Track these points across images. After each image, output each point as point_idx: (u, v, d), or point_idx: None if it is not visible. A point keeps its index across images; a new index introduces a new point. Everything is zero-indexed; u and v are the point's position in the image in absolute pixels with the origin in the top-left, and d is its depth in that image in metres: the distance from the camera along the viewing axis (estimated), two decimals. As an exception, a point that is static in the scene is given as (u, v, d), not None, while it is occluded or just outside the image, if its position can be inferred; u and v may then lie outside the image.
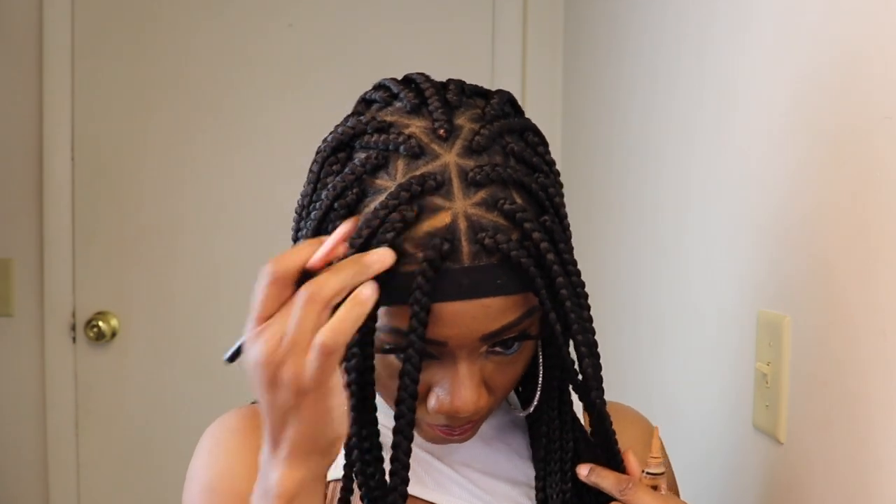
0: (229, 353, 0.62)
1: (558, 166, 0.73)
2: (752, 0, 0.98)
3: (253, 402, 0.83)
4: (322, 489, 0.62)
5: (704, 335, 1.12)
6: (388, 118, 0.67)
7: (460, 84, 0.71)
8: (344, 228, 0.62)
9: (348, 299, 0.59)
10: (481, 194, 0.64)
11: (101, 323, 2.14)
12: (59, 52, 2.12)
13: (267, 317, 0.60)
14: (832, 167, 0.78)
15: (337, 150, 0.68)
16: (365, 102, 0.72)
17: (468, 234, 0.63)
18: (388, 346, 0.66)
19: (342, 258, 0.61)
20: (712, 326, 1.09)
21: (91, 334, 2.14)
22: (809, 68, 0.83)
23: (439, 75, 0.74)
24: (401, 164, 0.65)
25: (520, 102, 0.74)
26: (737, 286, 1.00)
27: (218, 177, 2.16)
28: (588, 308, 0.70)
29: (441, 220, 0.63)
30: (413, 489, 0.72)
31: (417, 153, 0.64)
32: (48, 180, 2.13)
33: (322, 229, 0.66)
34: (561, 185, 0.71)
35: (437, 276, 0.62)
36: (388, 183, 0.64)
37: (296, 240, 0.71)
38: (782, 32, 0.90)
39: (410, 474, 0.66)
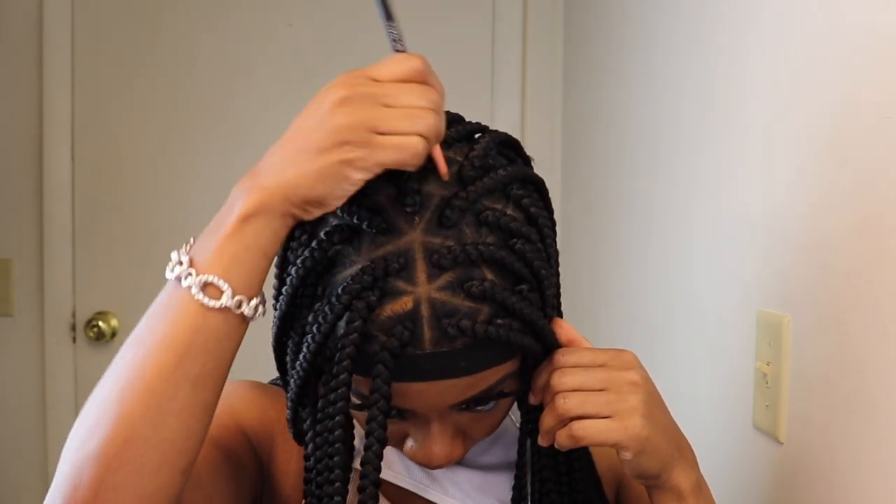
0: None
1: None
2: (752, 2, 0.98)
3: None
4: (281, 230, 0.59)
5: (704, 335, 1.12)
6: None
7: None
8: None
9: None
10: (446, 277, 0.61)
11: (101, 323, 2.14)
12: (59, 52, 2.12)
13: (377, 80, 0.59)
14: (832, 167, 0.78)
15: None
16: None
17: (430, 321, 0.60)
18: (357, 403, 0.65)
19: None
20: (712, 326, 1.09)
21: (91, 334, 2.14)
22: (809, 68, 0.83)
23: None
24: (366, 241, 0.62)
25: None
26: (737, 286, 1.00)
27: (218, 176, 2.16)
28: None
29: (403, 305, 0.60)
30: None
31: (382, 229, 0.61)
32: (48, 180, 2.13)
33: (292, 309, 0.64)
34: (548, 236, 0.68)
35: (397, 361, 0.60)
36: (353, 257, 0.62)
37: (277, 298, 0.67)
38: (782, 32, 0.90)
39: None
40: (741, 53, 1.01)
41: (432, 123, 0.58)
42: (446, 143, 0.65)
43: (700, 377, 1.13)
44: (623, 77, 1.57)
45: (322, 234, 0.63)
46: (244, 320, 0.59)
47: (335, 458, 0.63)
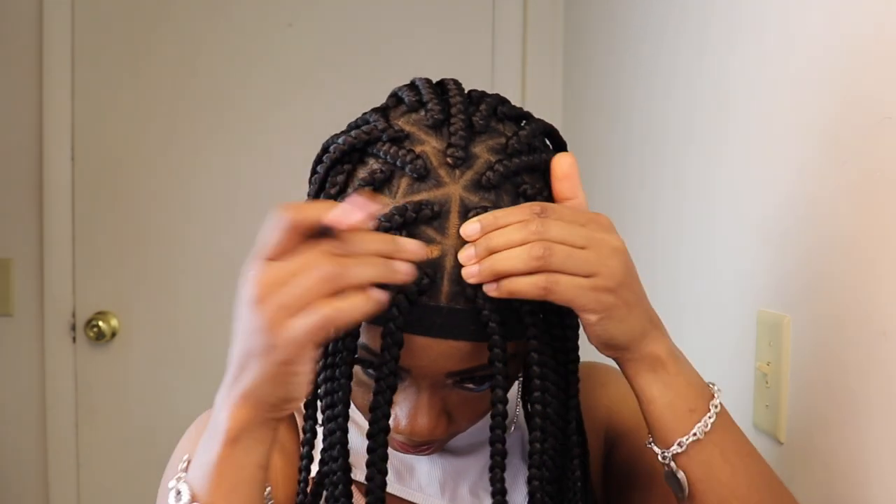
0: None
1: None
2: (752, 2, 0.98)
3: None
4: (269, 435, 0.59)
5: (704, 335, 1.12)
6: (407, 128, 0.64)
7: (495, 103, 0.67)
8: (362, 197, 0.57)
9: (367, 291, 0.55)
10: None
11: (101, 323, 2.14)
12: (59, 53, 2.12)
13: (271, 259, 0.55)
14: (832, 167, 0.78)
15: (347, 154, 0.65)
16: (395, 98, 0.69)
17: (451, 275, 0.60)
18: (365, 359, 0.65)
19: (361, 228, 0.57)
20: (712, 326, 1.09)
21: (91, 334, 2.14)
22: (810, 68, 0.83)
23: (439, 74, 0.72)
24: (404, 183, 0.62)
25: (520, 102, 0.73)
26: (737, 286, 1.00)
27: (218, 176, 2.16)
28: (573, 369, 0.67)
29: (429, 252, 0.60)
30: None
31: (423, 175, 0.61)
32: (48, 180, 2.13)
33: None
34: None
35: (411, 308, 0.60)
36: (387, 200, 0.62)
37: None
38: (782, 32, 0.90)
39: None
40: (741, 53, 1.01)
41: (330, 306, 0.54)
42: (495, 117, 0.66)
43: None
44: (623, 77, 1.56)
45: (360, 177, 0.63)
46: None
47: (338, 407, 0.63)
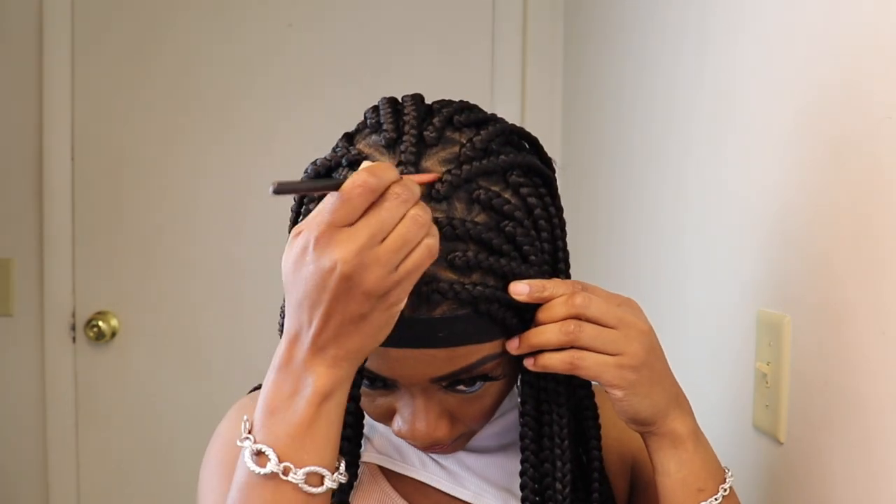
0: (277, 184, 0.56)
1: (558, 167, 0.73)
2: (752, 3, 0.98)
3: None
4: (348, 388, 0.62)
5: (704, 335, 1.12)
6: (365, 150, 0.67)
7: (451, 113, 0.68)
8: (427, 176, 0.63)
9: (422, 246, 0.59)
10: None
11: (101, 323, 2.14)
12: (59, 52, 2.12)
13: (348, 223, 0.57)
14: (832, 167, 0.78)
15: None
16: (364, 120, 0.71)
17: (414, 288, 0.61)
18: None
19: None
20: (712, 326, 1.09)
21: (91, 334, 2.14)
22: (809, 67, 0.83)
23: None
24: None
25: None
26: (737, 286, 1.00)
27: (218, 177, 2.16)
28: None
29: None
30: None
31: None
32: (48, 180, 2.13)
33: None
34: (544, 230, 0.68)
35: None
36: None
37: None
38: (782, 33, 0.90)
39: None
40: (741, 53, 1.01)
41: (415, 224, 0.58)
42: (451, 127, 0.67)
43: (700, 377, 1.13)
44: (623, 77, 1.57)
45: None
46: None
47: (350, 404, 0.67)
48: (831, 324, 0.78)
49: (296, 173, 0.75)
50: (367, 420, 0.75)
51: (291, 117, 2.14)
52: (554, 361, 0.66)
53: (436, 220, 0.62)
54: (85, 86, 2.14)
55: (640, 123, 1.45)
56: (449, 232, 0.62)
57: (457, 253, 0.62)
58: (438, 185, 0.63)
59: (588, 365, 0.66)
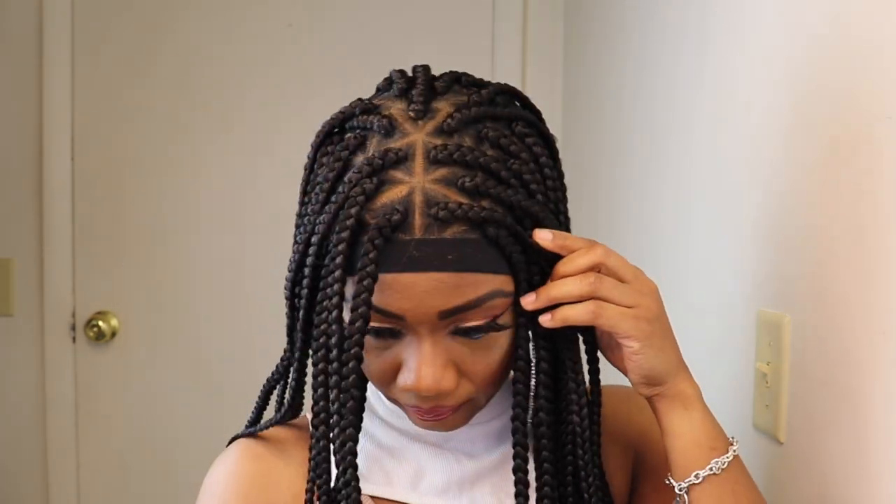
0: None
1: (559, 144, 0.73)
2: (752, 3, 0.98)
3: (244, 434, 0.80)
4: None
5: (704, 335, 1.12)
6: (376, 101, 0.70)
7: (458, 76, 0.73)
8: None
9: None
10: (442, 171, 0.65)
11: (101, 323, 2.14)
12: (59, 52, 2.12)
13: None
14: (832, 166, 0.78)
15: (329, 133, 0.71)
16: (374, 93, 0.74)
17: (422, 207, 0.63)
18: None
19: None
20: (712, 326, 1.09)
21: (91, 334, 2.14)
22: (809, 67, 0.83)
23: (439, 73, 0.74)
24: (374, 142, 0.67)
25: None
26: (737, 286, 1.00)
27: (217, 176, 2.16)
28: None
29: (398, 192, 0.64)
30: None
31: (389, 131, 0.66)
32: (48, 180, 2.13)
33: (327, 204, 0.67)
34: (549, 178, 0.70)
35: (386, 245, 0.63)
36: (361, 157, 0.67)
37: (300, 216, 0.71)
38: (782, 33, 0.90)
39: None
40: (741, 53, 1.01)
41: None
42: (458, 84, 0.72)
43: (700, 377, 1.13)
44: (623, 76, 1.57)
45: (339, 146, 0.68)
46: None
47: (332, 347, 0.66)
48: (831, 324, 0.78)
49: (296, 173, 0.75)
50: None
51: (291, 117, 2.14)
52: (575, 313, 0.67)
53: (445, 147, 0.65)
54: (85, 86, 2.14)
55: (640, 123, 1.45)
56: (459, 157, 0.65)
57: (466, 177, 0.64)
58: (449, 121, 0.66)
59: (609, 314, 0.67)
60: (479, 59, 2.14)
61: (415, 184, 0.64)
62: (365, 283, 0.63)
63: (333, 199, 0.65)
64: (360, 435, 0.69)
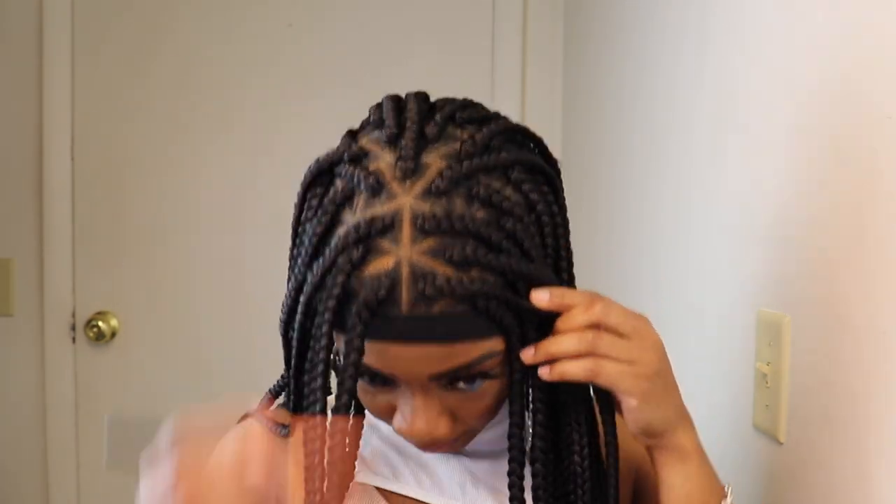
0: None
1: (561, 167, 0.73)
2: (752, 3, 0.98)
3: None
4: None
5: (704, 335, 1.12)
6: (367, 146, 0.67)
7: (453, 111, 0.68)
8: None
9: None
10: (430, 242, 0.62)
11: (101, 323, 2.14)
12: (59, 52, 2.12)
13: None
14: (832, 167, 0.78)
15: (318, 177, 0.69)
16: (368, 117, 0.71)
17: (408, 282, 0.61)
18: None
19: None
20: (712, 326, 1.09)
21: (91, 334, 2.14)
22: (810, 68, 0.83)
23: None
24: (361, 201, 0.64)
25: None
26: (737, 286, 1.00)
27: (217, 176, 2.16)
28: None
29: (385, 263, 0.62)
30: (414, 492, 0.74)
31: (377, 191, 0.63)
32: (48, 180, 2.13)
33: (317, 255, 0.66)
34: (546, 225, 0.68)
35: (373, 318, 0.62)
36: (349, 218, 0.64)
37: (292, 257, 0.70)
38: (783, 33, 0.90)
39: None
40: (741, 53, 1.01)
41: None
42: (452, 123, 0.67)
43: (700, 377, 1.13)
44: (623, 77, 1.57)
45: (327, 198, 0.66)
46: None
47: (317, 406, 0.65)
48: (831, 324, 0.78)
49: (296, 172, 0.75)
50: (363, 439, 0.75)
51: (291, 117, 2.14)
52: (573, 369, 0.66)
53: (434, 216, 0.62)
54: (85, 86, 2.14)
55: (640, 123, 1.45)
56: (447, 226, 0.62)
57: (455, 249, 0.62)
58: (438, 181, 0.63)
59: (607, 372, 0.66)
60: (479, 59, 2.14)
61: (402, 255, 0.62)
62: (351, 357, 0.62)
63: (320, 260, 0.64)
64: (367, 427, 0.71)
